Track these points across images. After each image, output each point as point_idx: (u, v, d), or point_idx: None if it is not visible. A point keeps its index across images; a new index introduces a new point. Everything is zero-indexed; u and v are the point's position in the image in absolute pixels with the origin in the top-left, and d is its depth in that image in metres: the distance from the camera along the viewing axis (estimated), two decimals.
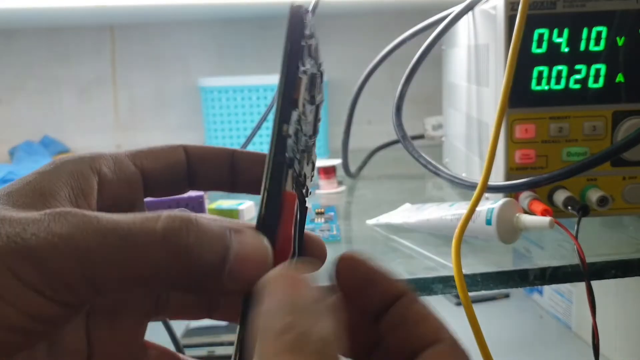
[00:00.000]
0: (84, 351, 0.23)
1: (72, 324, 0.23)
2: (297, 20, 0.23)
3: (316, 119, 0.26)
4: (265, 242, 0.21)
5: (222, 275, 0.20)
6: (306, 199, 0.26)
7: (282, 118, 0.22)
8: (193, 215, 0.20)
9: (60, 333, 0.22)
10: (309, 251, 0.25)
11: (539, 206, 0.46)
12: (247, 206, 0.60)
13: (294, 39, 0.22)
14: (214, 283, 0.20)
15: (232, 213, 0.59)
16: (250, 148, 0.87)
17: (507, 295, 0.91)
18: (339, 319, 0.18)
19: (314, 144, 0.26)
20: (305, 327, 0.17)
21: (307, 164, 0.25)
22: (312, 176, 0.26)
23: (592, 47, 0.47)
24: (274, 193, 0.22)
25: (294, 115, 0.22)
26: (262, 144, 0.94)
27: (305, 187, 0.25)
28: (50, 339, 0.21)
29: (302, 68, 0.23)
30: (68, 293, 0.18)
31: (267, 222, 0.22)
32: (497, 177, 0.49)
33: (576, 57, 0.47)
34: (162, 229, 0.19)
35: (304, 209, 0.26)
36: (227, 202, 0.61)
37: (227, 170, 0.26)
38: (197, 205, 0.52)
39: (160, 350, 0.26)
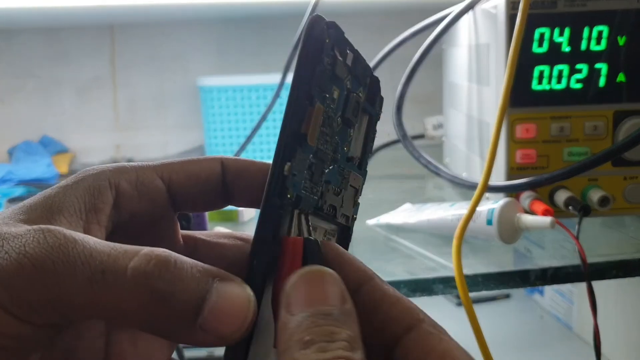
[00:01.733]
0: None
1: (86, 339, 0.22)
2: (312, 41, 0.20)
3: (367, 138, 0.24)
4: (247, 295, 0.19)
5: (193, 326, 0.18)
6: (350, 232, 0.24)
7: (283, 156, 0.20)
8: (174, 257, 0.18)
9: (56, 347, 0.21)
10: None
11: (540, 206, 0.45)
12: None
13: (303, 63, 0.20)
14: (185, 333, 0.18)
15: (232, 213, 0.59)
16: (250, 148, 0.87)
17: (507, 296, 0.91)
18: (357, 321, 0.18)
19: (358, 166, 0.24)
20: (328, 337, 0.17)
21: (340, 191, 0.23)
22: (357, 203, 0.24)
23: (593, 47, 0.47)
24: (264, 240, 0.20)
25: (302, 151, 0.20)
26: (261, 144, 0.93)
27: (338, 220, 0.23)
28: (38, 354, 0.20)
29: (318, 95, 0.20)
30: (34, 315, 0.18)
31: (255, 272, 0.20)
32: (498, 177, 0.49)
33: (577, 56, 0.47)
34: (133, 269, 0.18)
35: (344, 243, 0.24)
36: None
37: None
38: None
39: None
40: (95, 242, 0.19)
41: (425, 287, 0.43)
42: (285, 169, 0.20)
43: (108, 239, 0.21)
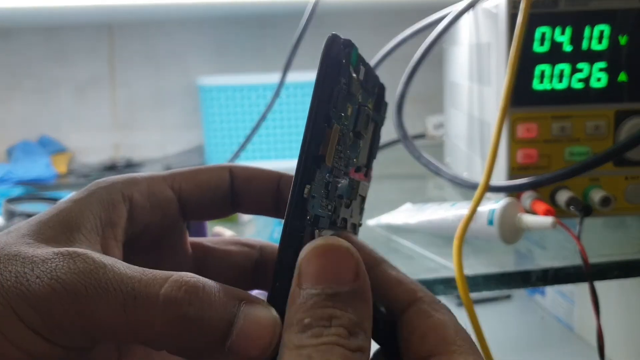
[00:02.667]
0: None
1: (102, 352, 0.22)
2: (330, 61, 0.20)
3: (373, 145, 0.24)
4: (273, 317, 0.19)
5: (222, 349, 0.19)
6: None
7: (302, 179, 0.20)
8: (202, 282, 0.19)
9: None
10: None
11: (541, 206, 0.45)
12: None
13: (321, 84, 0.20)
14: (214, 356, 0.19)
15: (233, 216, 0.58)
16: (250, 147, 0.87)
17: (508, 296, 0.90)
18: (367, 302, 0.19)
19: (365, 174, 0.24)
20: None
21: (350, 202, 0.23)
22: (362, 210, 0.25)
23: (595, 46, 0.47)
24: (286, 262, 0.20)
25: (320, 172, 0.20)
26: (261, 144, 0.93)
27: (347, 230, 0.24)
28: None
29: (335, 116, 0.20)
30: (65, 338, 0.18)
31: (278, 293, 0.20)
32: (499, 177, 0.49)
33: (578, 55, 0.47)
34: (164, 296, 0.18)
35: None
36: None
37: (273, 194, 0.25)
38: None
39: None
40: (123, 266, 0.19)
41: (426, 287, 0.42)
42: (305, 192, 0.20)
43: (123, 252, 0.22)
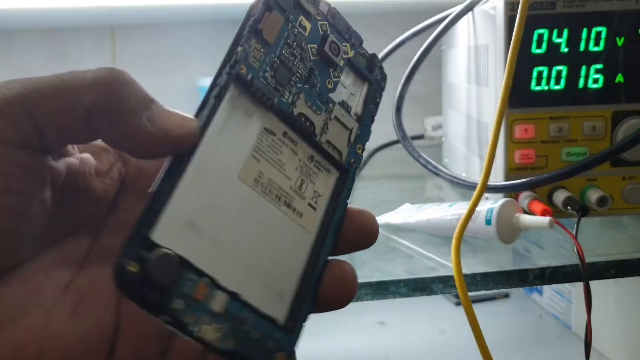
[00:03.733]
0: (111, 324, 0.22)
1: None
2: None
3: (367, 102, 0.28)
4: (191, 119, 0.23)
5: (142, 118, 0.21)
6: (350, 177, 0.27)
7: (236, 40, 0.24)
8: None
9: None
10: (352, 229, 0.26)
11: (538, 206, 0.46)
12: None
13: None
14: (133, 122, 0.21)
15: None
16: None
17: (506, 295, 0.91)
18: None
19: (357, 120, 0.27)
20: None
21: (319, 114, 0.26)
22: (353, 146, 0.27)
23: (592, 48, 0.47)
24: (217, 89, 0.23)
25: (257, 42, 0.24)
26: None
27: (321, 141, 0.26)
28: (42, 200, 0.22)
29: (277, 7, 0.25)
30: (15, 133, 0.20)
31: (203, 110, 0.23)
32: (497, 177, 0.49)
33: (576, 57, 0.47)
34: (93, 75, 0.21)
35: (342, 187, 0.26)
36: None
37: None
38: None
39: None
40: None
41: (424, 286, 0.43)
42: (238, 49, 0.23)
43: None
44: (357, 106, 0.27)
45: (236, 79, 0.23)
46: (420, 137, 0.85)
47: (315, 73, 0.26)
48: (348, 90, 0.27)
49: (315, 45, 0.26)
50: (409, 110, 0.65)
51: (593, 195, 0.47)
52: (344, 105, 0.27)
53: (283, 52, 0.25)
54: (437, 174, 0.56)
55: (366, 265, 0.46)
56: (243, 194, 0.23)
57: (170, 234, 0.20)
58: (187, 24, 1.03)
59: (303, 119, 0.25)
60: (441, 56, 0.75)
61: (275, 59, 0.24)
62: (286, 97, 0.24)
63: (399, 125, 0.60)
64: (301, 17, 0.26)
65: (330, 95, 0.26)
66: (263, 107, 0.24)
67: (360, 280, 0.42)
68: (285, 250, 0.23)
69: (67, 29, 1.01)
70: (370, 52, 0.29)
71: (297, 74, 0.25)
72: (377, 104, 0.28)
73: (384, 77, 0.29)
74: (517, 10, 0.44)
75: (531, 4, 0.46)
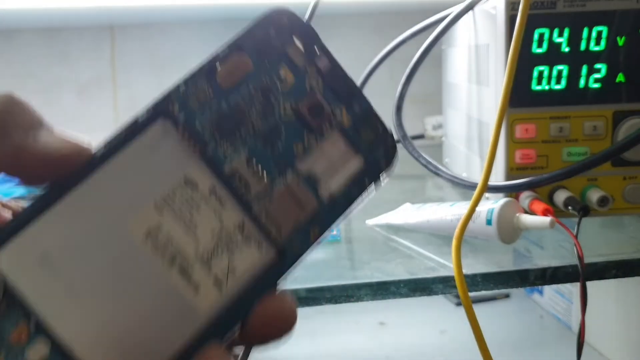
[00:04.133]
0: None
1: None
2: (271, 16, 0.22)
3: (353, 183, 0.22)
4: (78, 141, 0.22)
5: (28, 135, 0.21)
6: (285, 265, 0.21)
7: (184, 78, 0.23)
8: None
9: None
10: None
11: (539, 206, 0.45)
12: None
13: (253, 27, 0.23)
14: (21, 142, 0.20)
15: None
16: None
17: (507, 296, 0.91)
18: None
19: (330, 201, 0.22)
20: None
21: (263, 179, 0.21)
22: (306, 232, 0.21)
23: (593, 47, 0.47)
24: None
25: (204, 81, 0.22)
26: None
27: (255, 211, 0.21)
28: None
29: (250, 51, 0.22)
30: None
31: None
32: (498, 177, 0.49)
33: (577, 56, 0.47)
34: None
35: (275, 274, 0.21)
36: None
37: None
38: None
39: None
40: None
41: (425, 286, 0.43)
42: (180, 86, 0.22)
43: None
44: (333, 183, 0.22)
45: (166, 115, 0.21)
46: (421, 136, 0.85)
47: (281, 132, 0.22)
48: (327, 163, 0.22)
49: (292, 103, 0.22)
50: (409, 110, 0.65)
51: (594, 195, 0.47)
52: (310, 178, 0.22)
53: (240, 100, 0.22)
54: (438, 174, 0.56)
55: (366, 266, 0.46)
56: (125, 244, 0.20)
57: (12, 259, 0.18)
58: (187, 24, 1.03)
59: (238, 179, 0.21)
60: (441, 56, 0.75)
61: (225, 106, 0.21)
62: (224, 149, 0.21)
63: (399, 124, 0.60)
64: (283, 68, 0.22)
65: (294, 161, 0.22)
66: (194, 155, 0.21)
67: (360, 280, 0.42)
68: (156, 327, 0.19)
69: (67, 28, 1.01)
70: (387, 126, 0.24)
71: (250, 128, 0.21)
72: (365, 188, 0.23)
73: (388, 157, 0.24)
74: (517, 9, 0.44)
75: (532, 3, 0.46)
